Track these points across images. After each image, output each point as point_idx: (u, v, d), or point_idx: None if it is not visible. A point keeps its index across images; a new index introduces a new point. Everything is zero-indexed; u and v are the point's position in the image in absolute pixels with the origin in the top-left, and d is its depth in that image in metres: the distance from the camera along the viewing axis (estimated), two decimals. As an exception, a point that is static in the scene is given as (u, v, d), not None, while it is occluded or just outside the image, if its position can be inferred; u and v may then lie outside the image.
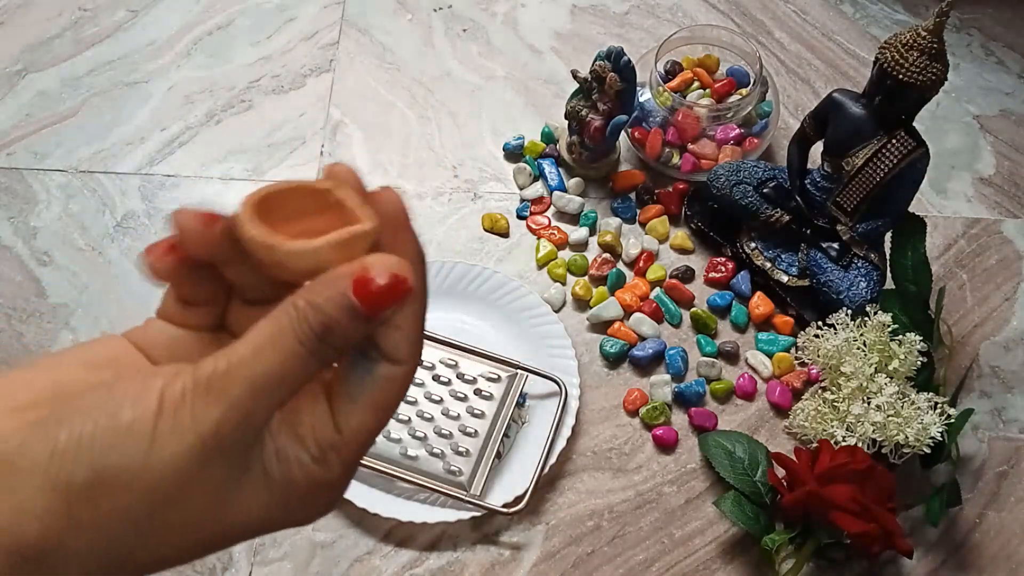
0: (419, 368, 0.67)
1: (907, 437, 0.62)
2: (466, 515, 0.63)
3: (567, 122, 0.78)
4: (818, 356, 0.67)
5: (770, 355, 0.72)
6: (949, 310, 0.75)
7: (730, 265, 0.75)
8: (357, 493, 0.63)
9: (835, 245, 0.71)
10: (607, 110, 0.75)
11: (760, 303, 0.73)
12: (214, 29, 0.91)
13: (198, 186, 0.81)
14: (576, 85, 0.76)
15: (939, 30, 0.60)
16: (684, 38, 0.82)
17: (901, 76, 0.61)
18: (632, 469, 0.67)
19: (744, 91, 0.80)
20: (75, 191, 0.80)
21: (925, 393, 0.64)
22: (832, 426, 0.65)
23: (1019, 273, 0.77)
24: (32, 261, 0.76)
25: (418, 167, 0.82)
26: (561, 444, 0.66)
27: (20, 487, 0.22)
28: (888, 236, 0.70)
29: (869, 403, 0.64)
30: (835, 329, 0.67)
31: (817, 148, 0.71)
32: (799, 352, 0.70)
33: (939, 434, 0.62)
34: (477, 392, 0.67)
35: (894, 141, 0.64)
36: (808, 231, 0.72)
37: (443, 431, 0.65)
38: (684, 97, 0.80)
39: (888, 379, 0.64)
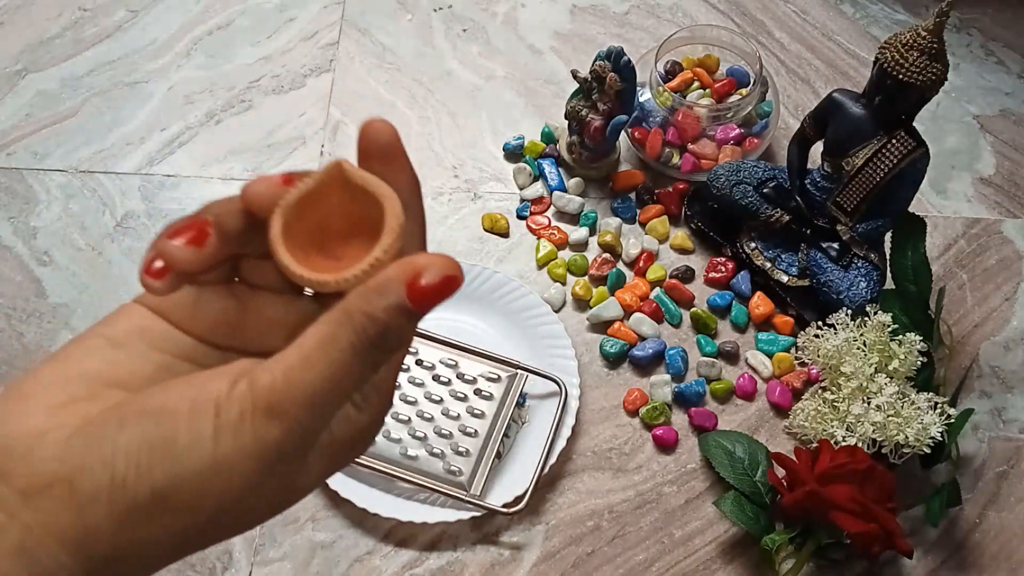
0: (419, 368, 0.67)
1: (907, 437, 0.62)
2: (466, 515, 0.63)
3: (567, 122, 0.78)
4: (818, 356, 0.67)
5: (770, 355, 0.72)
6: (949, 310, 0.75)
7: (730, 265, 0.75)
8: (357, 493, 0.63)
9: (835, 245, 0.71)
10: (607, 110, 0.75)
11: (760, 303, 0.73)
12: (214, 29, 0.91)
13: (198, 186, 0.81)
14: (576, 85, 0.76)
15: (939, 30, 0.60)
16: (684, 38, 0.82)
17: (901, 76, 0.61)
18: (632, 469, 0.67)
19: (744, 91, 0.80)
20: (75, 191, 0.80)
21: (925, 393, 0.64)
22: (832, 426, 0.65)
23: (1019, 273, 0.77)
24: (32, 261, 0.76)
25: (418, 167, 0.81)
26: (561, 444, 0.66)
27: (87, 511, 0.22)
28: (888, 236, 0.70)
29: (869, 403, 0.64)
30: (835, 329, 0.67)
31: (817, 148, 0.71)
32: (799, 352, 0.70)
33: (939, 434, 0.62)
34: (477, 392, 0.67)
35: (894, 141, 0.64)
36: (808, 231, 0.72)
37: (443, 431, 0.65)
38: (684, 97, 0.80)
39: (888, 379, 0.64)
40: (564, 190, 0.80)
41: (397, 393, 0.66)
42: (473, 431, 0.65)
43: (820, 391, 0.68)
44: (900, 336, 0.66)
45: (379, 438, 0.64)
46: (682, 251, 0.78)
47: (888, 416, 0.62)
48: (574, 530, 0.65)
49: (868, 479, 0.59)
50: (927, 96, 0.62)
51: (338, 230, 0.26)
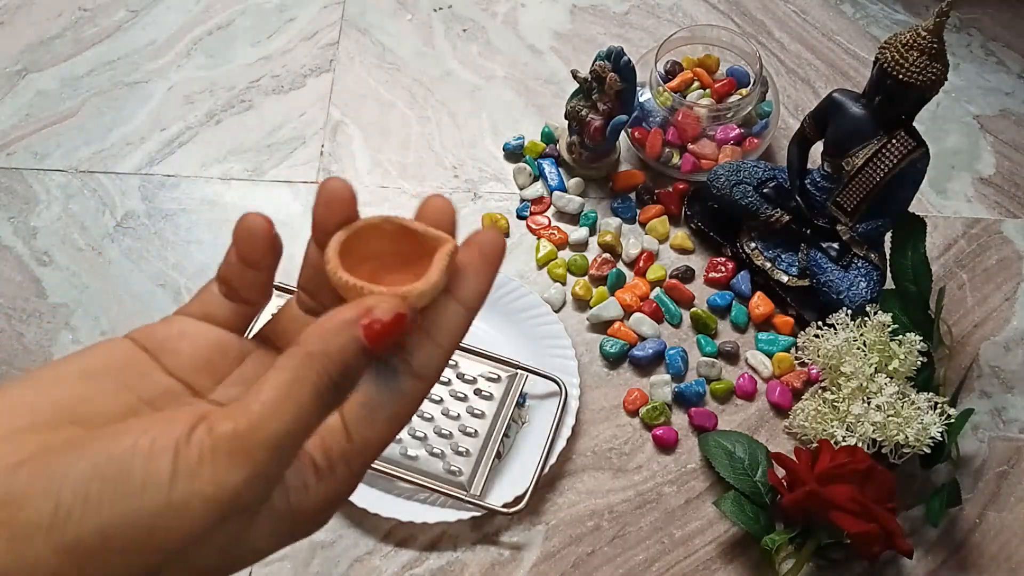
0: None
1: (907, 437, 0.62)
2: (466, 515, 0.63)
3: (567, 122, 0.78)
4: (818, 356, 0.67)
5: (770, 355, 0.72)
6: (949, 310, 0.75)
7: (730, 265, 0.75)
8: (357, 493, 0.63)
9: (835, 245, 0.71)
10: (607, 110, 0.75)
11: (760, 303, 0.73)
12: (214, 29, 0.91)
13: (198, 186, 0.81)
14: (576, 85, 0.76)
15: (939, 30, 0.60)
16: (684, 38, 0.82)
17: (901, 76, 0.61)
18: (632, 469, 0.67)
19: (744, 91, 0.80)
20: (75, 191, 0.80)
21: (925, 393, 0.64)
22: (832, 426, 0.65)
23: (1019, 273, 0.77)
24: (32, 261, 0.76)
25: (418, 167, 0.82)
26: (561, 444, 0.66)
27: (24, 543, 0.21)
28: (888, 236, 0.70)
29: (869, 403, 0.64)
30: (835, 329, 0.67)
31: (817, 148, 0.71)
32: (799, 352, 0.70)
33: (939, 434, 0.62)
34: (477, 392, 0.67)
35: (894, 141, 0.64)
36: (808, 231, 0.72)
37: (443, 431, 0.65)
38: (684, 97, 0.80)
39: (888, 379, 0.64)
40: (564, 190, 0.80)
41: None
42: (473, 431, 0.65)
43: (820, 391, 0.68)
44: (900, 336, 0.66)
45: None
46: (682, 251, 0.78)
47: (888, 416, 0.62)
48: (574, 530, 0.65)
49: (868, 479, 0.59)
50: (927, 96, 0.62)
51: (387, 265, 0.27)
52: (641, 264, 0.76)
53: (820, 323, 0.68)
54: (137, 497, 0.21)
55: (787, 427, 0.69)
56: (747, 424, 0.70)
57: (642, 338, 0.72)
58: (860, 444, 0.62)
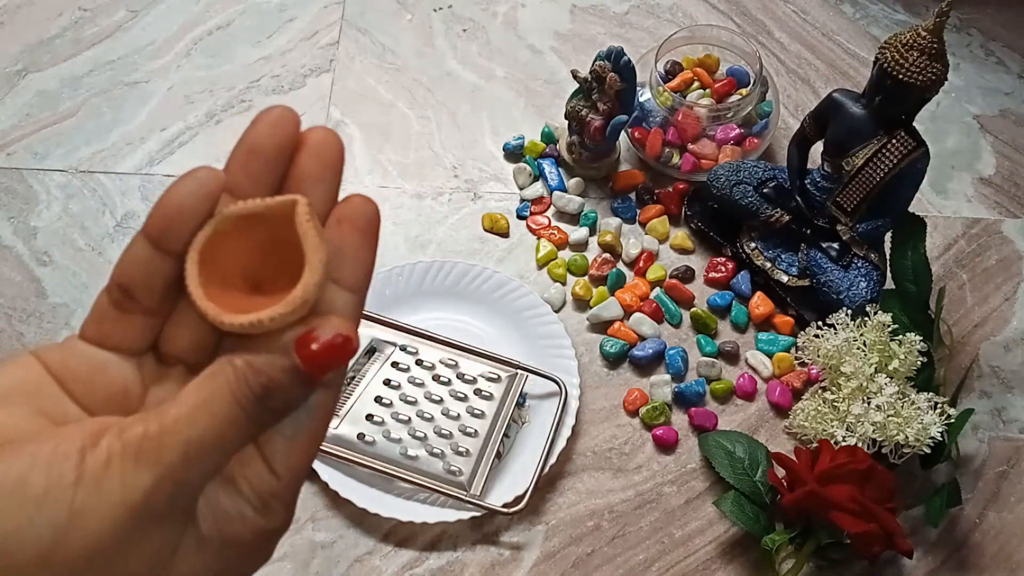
0: (419, 368, 0.67)
1: (907, 437, 0.62)
2: (466, 515, 0.63)
3: (567, 122, 0.78)
4: (818, 356, 0.67)
5: (770, 355, 0.72)
6: (949, 310, 0.75)
7: (730, 265, 0.75)
8: (357, 493, 0.63)
9: (835, 245, 0.71)
10: (607, 110, 0.75)
11: (760, 303, 0.73)
12: (214, 29, 0.91)
13: (198, 186, 0.80)
14: (576, 85, 0.76)
15: (939, 30, 0.60)
16: (684, 38, 0.82)
17: (901, 76, 0.61)
18: (632, 469, 0.67)
19: (744, 91, 0.80)
20: (75, 191, 0.80)
21: (925, 393, 0.64)
22: (832, 426, 0.65)
23: (1019, 273, 0.77)
24: (32, 261, 0.76)
25: (418, 167, 0.82)
26: (561, 444, 0.66)
27: None
28: (888, 236, 0.70)
29: (869, 403, 0.64)
30: (835, 329, 0.67)
31: (817, 148, 0.71)
32: (799, 352, 0.70)
33: (939, 434, 0.62)
34: (477, 392, 0.67)
35: (894, 141, 0.64)
36: (808, 231, 0.72)
37: (443, 431, 0.65)
38: (684, 97, 0.80)
39: (888, 379, 0.64)
40: (564, 190, 0.80)
41: (396, 393, 0.66)
42: (473, 431, 0.65)
43: (820, 391, 0.68)
44: (900, 336, 0.66)
45: (379, 438, 0.64)
46: (682, 251, 0.78)
47: (888, 416, 0.62)
48: (574, 530, 0.65)
49: (868, 479, 0.59)
50: (927, 96, 0.62)
51: (260, 259, 0.25)
52: (641, 264, 0.76)
53: (820, 323, 0.68)
54: (37, 505, 0.20)
55: (787, 427, 0.69)
56: (747, 424, 0.70)
57: (642, 338, 0.72)
58: (860, 444, 0.62)
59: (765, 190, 0.73)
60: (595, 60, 0.73)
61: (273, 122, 0.24)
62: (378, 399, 0.65)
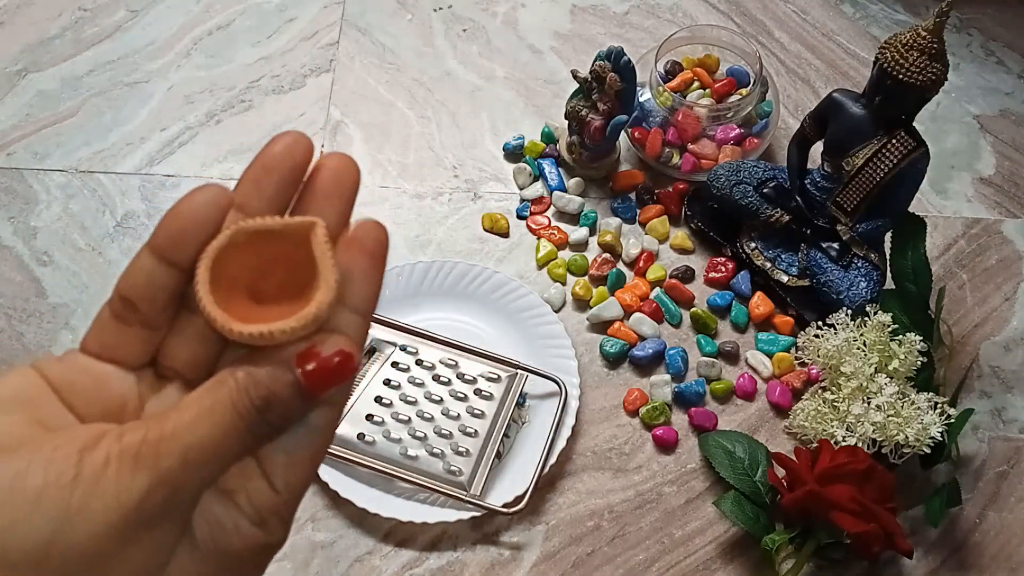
0: (419, 368, 0.67)
1: (907, 437, 0.62)
2: (466, 515, 0.63)
3: (567, 122, 0.78)
4: (818, 356, 0.67)
5: (770, 355, 0.72)
6: (949, 310, 0.75)
7: (730, 265, 0.75)
8: (357, 493, 0.63)
9: (835, 245, 0.71)
10: (607, 110, 0.75)
11: (760, 303, 0.73)
12: (214, 29, 0.91)
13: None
14: (576, 85, 0.76)
15: (939, 30, 0.60)
16: (684, 38, 0.82)
17: (901, 76, 0.61)
18: (632, 469, 0.67)
19: (744, 91, 0.80)
20: (75, 191, 0.80)
21: (925, 393, 0.64)
22: (832, 426, 0.64)
23: (1019, 273, 0.77)
24: (32, 261, 0.76)
25: (418, 167, 0.82)
26: (561, 444, 0.66)
27: None
28: (888, 236, 0.70)
29: (869, 403, 0.64)
30: (835, 329, 0.67)
31: (817, 148, 0.71)
32: (799, 352, 0.70)
33: (939, 434, 0.62)
34: (477, 392, 0.67)
35: (894, 141, 0.64)
36: (808, 231, 0.72)
37: (443, 431, 0.65)
38: (684, 97, 0.80)
39: (888, 379, 0.64)
40: (564, 190, 0.80)
41: (396, 393, 0.66)
42: (473, 431, 0.65)
43: (820, 391, 0.68)
44: (900, 336, 0.66)
45: (379, 438, 0.64)
46: (682, 251, 0.78)
47: (888, 416, 0.62)
48: (574, 530, 0.65)
49: (868, 479, 0.59)
50: (927, 96, 0.62)
51: (269, 276, 0.25)
52: (641, 264, 0.76)
53: (820, 323, 0.68)
54: (34, 508, 0.20)
55: (787, 427, 0.69)
56: (747, 424, 0.70)
57: (642, 338, 0.72)
58: (860, 444, 0.62)
59: (765, 190, 0.73)
60: (595, 60, 0.73)
61: (289, 144, 0.25)
62: (378, 399, 0.65)
